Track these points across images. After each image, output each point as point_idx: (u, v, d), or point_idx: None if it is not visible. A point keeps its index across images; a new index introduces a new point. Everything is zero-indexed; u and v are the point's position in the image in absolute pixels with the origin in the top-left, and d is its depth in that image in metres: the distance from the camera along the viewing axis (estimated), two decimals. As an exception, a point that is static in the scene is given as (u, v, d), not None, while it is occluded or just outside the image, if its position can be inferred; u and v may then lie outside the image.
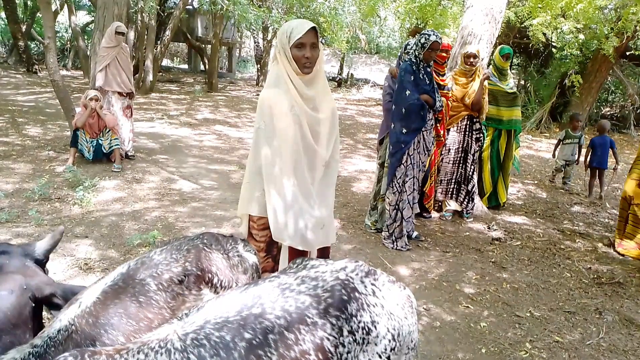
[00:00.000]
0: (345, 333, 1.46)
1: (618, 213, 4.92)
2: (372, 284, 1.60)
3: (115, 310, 1.56)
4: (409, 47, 4.61)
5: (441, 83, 4.85)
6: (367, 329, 1.50)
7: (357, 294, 1.54)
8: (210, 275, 1.78)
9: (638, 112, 12.84)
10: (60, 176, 5.66)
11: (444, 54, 4.81)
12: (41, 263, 1.89)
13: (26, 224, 4.28)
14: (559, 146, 7.37)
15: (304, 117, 2.27)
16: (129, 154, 6.67)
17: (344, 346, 1.45)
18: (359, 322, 1.49)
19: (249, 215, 2.45)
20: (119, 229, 4.41)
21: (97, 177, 5.70)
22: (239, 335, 1.35)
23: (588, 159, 6.94)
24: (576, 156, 7.20)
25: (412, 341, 1.63)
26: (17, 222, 4.31)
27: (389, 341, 1.53)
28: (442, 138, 5.09)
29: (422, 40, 4.27)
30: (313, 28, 2.20)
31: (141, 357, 1.29)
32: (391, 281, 1.68)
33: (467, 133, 5.24)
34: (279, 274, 1.63)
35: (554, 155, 7.55)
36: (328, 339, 1.43)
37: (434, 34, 4.28)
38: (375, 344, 1.51)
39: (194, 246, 1.84)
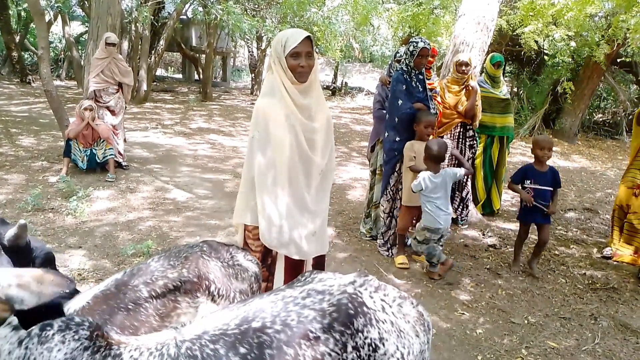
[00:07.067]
0: (350, 349, 1.41)
1: (612, 222, 4.81)
2: (382, 300, 1.54)
3: (100, 317, 1.56)
4: (398, 55, 4.65)
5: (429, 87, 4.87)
6: (374, 346, 1.44)
7: (365, 309, 1.48)
8: (207, 283, 1.79)
9: (630, 118, 12.92)
10: (54, 186, 5.63)
11: (430, 59, 4.85)
12: (7, 249, 1.78)
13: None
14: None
15: (299, 126, 2.26)
16: (123, 163, 6.63)
17: None
18: (366, 338, 1.44)
19: (245, 224, 2.44)
20: (112, 239, 4.39)
21: (90, 187, 5.67)
22: (234, 349, 1.32)
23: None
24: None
25: None
26: (9, 233, 4.27)
27: None
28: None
29: (411, 48, 4.31)
30: (308, 37, 2.20)
31: (135, 355, 1.29)
32: (402, 297, 1.61)
33: (460, 140, 5.26)
34: (285, 287, 1.60)
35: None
36: (330, 355, 1.38)
37: (421, 41, 4.32)
38: None
39: (192, 253, 1.86)
